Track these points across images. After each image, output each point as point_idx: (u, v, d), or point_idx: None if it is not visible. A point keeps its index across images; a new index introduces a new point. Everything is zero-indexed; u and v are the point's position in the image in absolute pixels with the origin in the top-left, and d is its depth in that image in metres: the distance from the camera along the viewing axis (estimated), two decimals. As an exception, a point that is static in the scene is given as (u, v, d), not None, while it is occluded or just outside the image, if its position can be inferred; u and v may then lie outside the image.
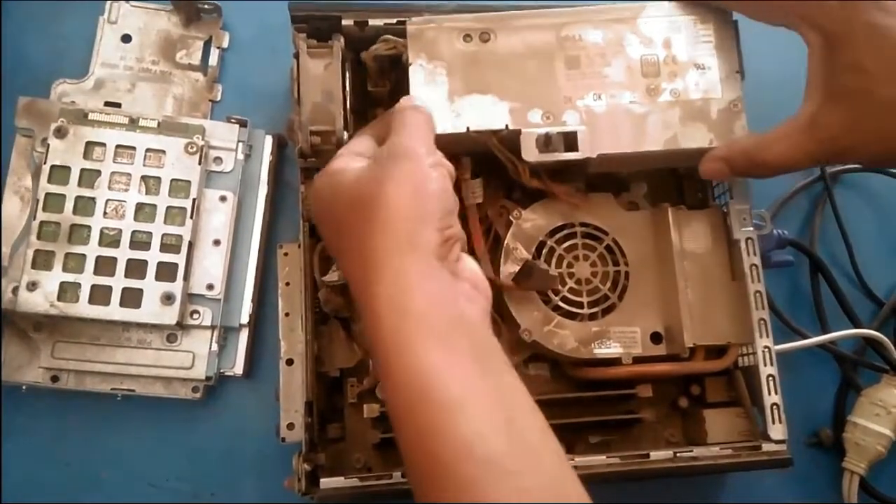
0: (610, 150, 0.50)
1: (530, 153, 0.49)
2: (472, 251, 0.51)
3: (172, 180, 0.56)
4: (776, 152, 0.46)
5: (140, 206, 0.56)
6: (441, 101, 0.50)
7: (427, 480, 0.35)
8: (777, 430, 0.50)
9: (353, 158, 0.44)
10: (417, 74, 0.50)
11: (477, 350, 0.37)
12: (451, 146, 0.49)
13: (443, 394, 0.35)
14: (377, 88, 0.55)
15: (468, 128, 0.49)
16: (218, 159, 0.58)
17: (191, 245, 0.56)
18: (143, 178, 0.56)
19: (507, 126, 0.49)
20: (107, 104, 0.59)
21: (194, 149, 0.56)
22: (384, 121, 0.46)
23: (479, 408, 0.35)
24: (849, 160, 0.49)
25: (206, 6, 0.62)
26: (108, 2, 0.62)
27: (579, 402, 0.53)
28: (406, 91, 0.50)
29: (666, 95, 0.50)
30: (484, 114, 0.50)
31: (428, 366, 0.35)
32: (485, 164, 0.52)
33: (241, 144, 0.58)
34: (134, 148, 0.56)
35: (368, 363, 0.53)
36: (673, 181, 0.57)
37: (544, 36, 0.51)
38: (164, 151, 0.56)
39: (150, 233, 0.55)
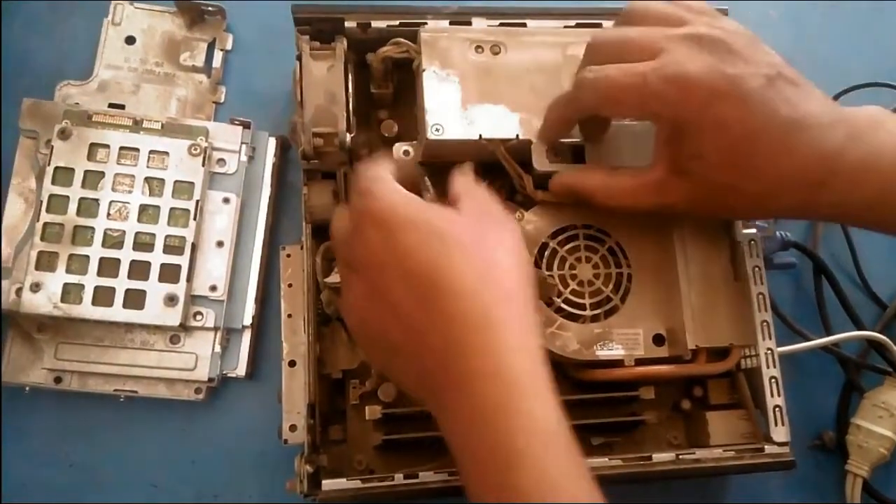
0: (613, 163, 0.51)
1: (540, 162, 0.50)
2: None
3: (176, 182, 0.56)
4: (618, 199, 0.49)
5: (143, 208, 0.56)
6: (455, 106, 0.50)
7: None
8: (780, 433, 0.50)
9: (394, 189, 0.42)
10: (431, 80, 0.50)
11: None
12: (459, 154, 0.49)
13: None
14: (380, 91, 0.55)
15: (480, 135, 0.50)
16: (221, 161, 0.58)
17: (194, 246, 0.56)
18: (147, 179, 0.56)
19: (517, 136, 0.50)
20: (111, 106, 0.59)
21: (198, 150, 0.56)
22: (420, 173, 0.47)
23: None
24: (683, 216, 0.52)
25: (209, 8, 0.62)
26: (112, 3, 0.62)
27: (582, 404, 0.53)
28: (411, 94, 0.51)
29: None
30: (496, 122, 0.50)
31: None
32: (487, 166, 0.52)
33: (244, 146, 0.58)
34: (137, 149, 0.56)
35: (371, 365, 0.53)
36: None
37: (551, 53, 0.53)
38: (167, 153, 0.56)
39: (154, 234, 0.55)
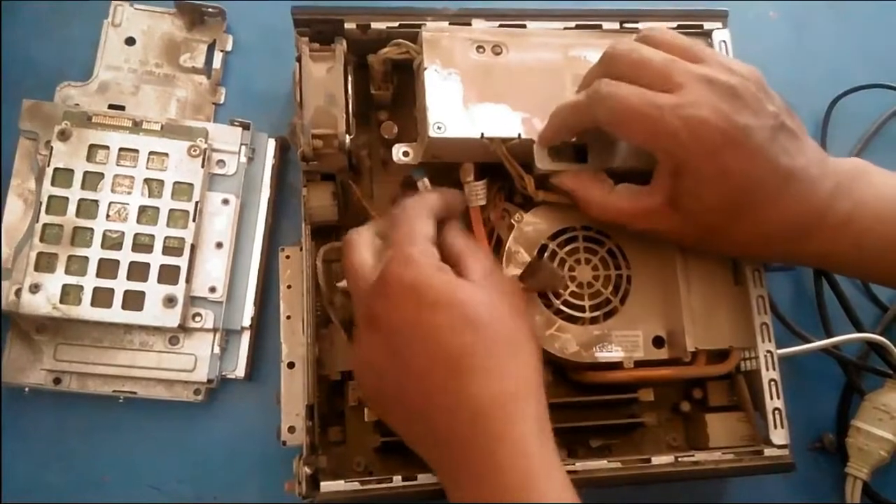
0: (615, 164, 0.51)
1: (543, 161, 0.50)
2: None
3: (175, 183, 0.56)
4: (613, 217, 0.49)
5: (143, 209, 0.56)
6: (457, 105, 0.50)
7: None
8: (779, 435, 0.50)
9: (437, 265, 0.44)
10: (433, 78, 0.50)
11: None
12: (460, 153, 0.49)
13: None
14: (380, 92, 0.55)
15: (482, 133, 0.50)
16: (221, 162, 0.58)
17: (193, 248, 0.56)
18: (146, 180, 0.56)
19: (519, 135, 0.50)
20: (110, 107, 0.59)
21: (197, 152, 0.56)
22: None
23: None
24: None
25: (209, 9, 0.62)
26: (113, 4, 0.62)
27: (581, 405, 0.53)
28: (411, 96, 0.51)
29: None
30: (497, 121, 0.50)
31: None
32: (486, 168, 0.52)
33: (243, 147, 0.58)
34: (137, 151, 0.56)
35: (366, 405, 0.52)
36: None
37: (553, 54, 0.53)
38: (167, 154, 0.56)
39: (153, 235, 0.55)
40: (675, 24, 0.55)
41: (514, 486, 0.39)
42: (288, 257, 0.54)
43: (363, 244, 0.47)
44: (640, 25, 0.54)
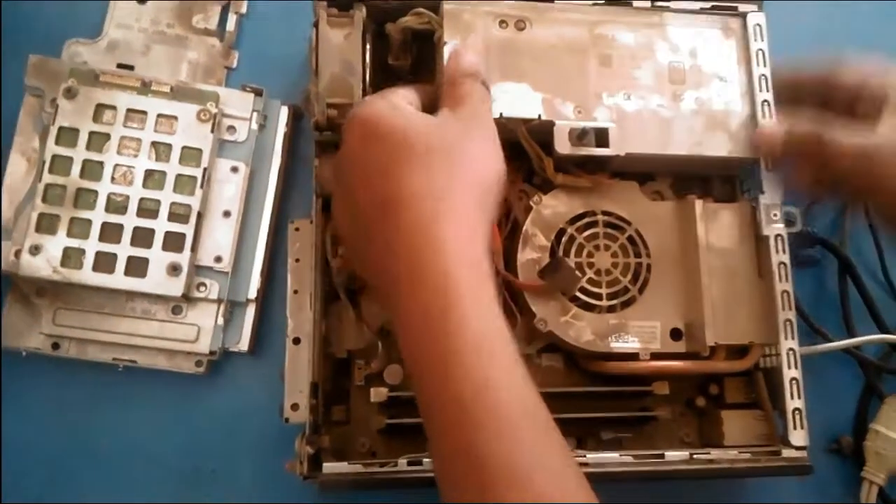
0: (638, 150, 0.50)
1: (563, 145, 0.49)
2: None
3: (183, 148, 0.55)
4: (853, 148, 0.47)
5: (149, 173, 0.54)
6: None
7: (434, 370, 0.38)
8: (798, 437, 0.49)
9: (407, 102, 0.44)
10: None
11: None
12: None
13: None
14: (398, 63, 0.53)
15: (501, 114, 0.48)
16: (231, 128, 0.56)
17: (200, 215, 0.54)
18: (154, 143, 0.54)
19: (539, 116, 0.49)
20: (119, 66, 0.58)
21: (207, 116, 0.55)
22: (438, 87, 0.46)
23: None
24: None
25: (225, -31, 0.60)
26: (125, -40, 0.60)
27: (592, 396, 0.52)
28: (430, 68, 0.49)
29: (690, 103, 0.51)
30: (517, 101, 0.49)
31: (483, 311, 0.38)
32: (505, 148, 0.50)
33: (255, 114, 0.57)
34: (145, 112, 0.55)
35: (377, 345, 0.51)
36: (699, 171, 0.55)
37: (578, 31, 0.51)
38: (175, 118, 0.55)
39: (159, 201, 0.54)
40: (708, 5, 0.53)
41: (426, 315, 0.38)
42: (297, 230, 0.53)
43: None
44: (671, 4, 0.52)
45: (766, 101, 0.51)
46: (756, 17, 0.53)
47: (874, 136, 0.47)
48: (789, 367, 0.49)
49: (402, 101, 0.44)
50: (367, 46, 0.50)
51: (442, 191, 0.40)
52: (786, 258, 0.50)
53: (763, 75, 0.51)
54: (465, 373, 0.36)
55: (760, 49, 0.52)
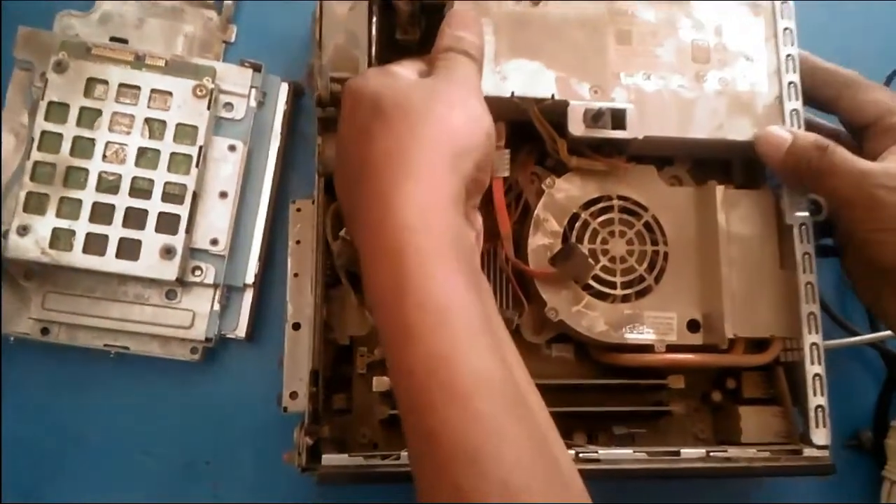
0: (657, 133, 0.48)
1: (577, 126, 0.47)
2: (496, 227, 0.48)
3: (178, 125, 0.53)
4: (852, 171, 0.45)
5: (142, 151, 0.52)
6: (486, 61, 0.47)
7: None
8: (820, 435, 0.47)
9: (406, 71, 0.43)
10: None
11: (482, 291, 0.38)
12: (488, 109, 0.45)
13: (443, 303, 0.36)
14: (406, 37, 0.51)
15: (513, 93, 0.47)
16: (228, 105, 0.54)
17: (195, 196, 0.52)
18: (147, 120, 0.53)
19: (553, 96, 0.47)
20: (112, 39, 0.56)
21: (203, 92, 0.53)
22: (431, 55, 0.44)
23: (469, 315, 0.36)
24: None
25: (223, -62, 0.58)
26: (120, -72, 0.57)
27: (605, 389, 0.50)
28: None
29: (714, 83, 0.50)
30: (530, 80, 0.47)
31: (440, 281, 0.36)
32: (517, 129, 0.49)
33: (254, 90, 0.55)
34: (138, 87, 0.53)
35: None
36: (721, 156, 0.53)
37: (596, 6, 0.50)
38: (170, 93, 0.53)
39: (152, 180, 0.52)
40: (734, -15, 0.50)
41: (389, 286, 0.36)
42: (299, 210, 0.52)
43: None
44: (696, -20, 0.50)
45: (792, 82, 0.49)
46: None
47: (877, 164, 0.45)
48: (812, 363, 0.47)
49: (400, 69, 0.43)
50: (374, 19, 0.48)
51: (403, 152, 0.38)
52: (810, 248, 0.48)
53: (790, 55, 0.49)
54: (416, 347, 0.35)
55: (788, 28, 0.50)
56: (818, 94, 0.50)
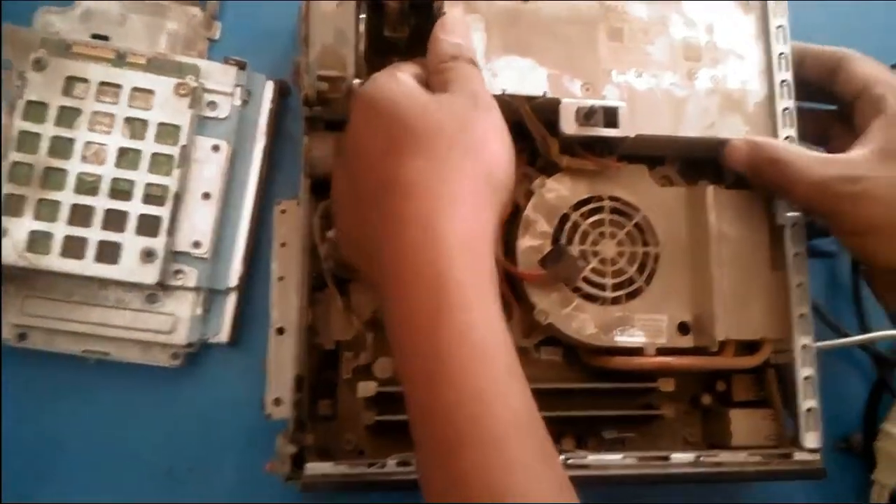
0: (649, 131, 0.48)
1: (569, 125, 0.46)
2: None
3: (160, 124, 0.52)
4: (808, 182, 0.45)
5: (123, 151, 0.51)
6: (478, 56, 0.46)
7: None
8: (811, 438, 0.47)
9: (414, 79, 0.42)
10: None
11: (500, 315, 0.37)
12: None
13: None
14: (395, 35, 0.50)
15: (504, 90, 0.46)
16: (212, 104, 0.54)
17: (177, 197, 0.51)
18: (128, 119, 0.52)
19: (545, 93, 0.47)
20: (94, 37, 0.54)
21: (186, 90, 0.52)
22: (429, 63, 0.44)
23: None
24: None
25: (207, -66, 0.57)
26: (101, -77, 0.56)
27: (594, 393, 0.49)
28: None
29: (706, 81, 0.49)
30: (521, 77, 0.47)
31: (480, 315, 0.35)
32: (508, 128, 0.48)
33: (238, 89, 0.54)
34: (119, 86, 0.52)
35: (367, 337, 0.49)
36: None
37: (588, 2, 0.50)
38: (152, 92, 0.52)
39: (133, 181, 0.51)
40: (726, -22, 0.50)
41: (423, 313, 0.36)
42: (284, 212, 0.50)
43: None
44: (689, -23, 0.50)
45: (784, 80, 0.49)
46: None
47: (835, 165, 0.45)
48: (803, 365, 0.47)
49: (407, 77, 0.41)
50: (362, 16, 0.47)
51: (444, 178, 0.37)
52: (802, 249, 0.48)
53: (782, 54, 0.49)
54: (451, 381, 0.34)
55: (780, 25, 0.49)
56: (812, 73, 0.50)
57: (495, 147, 0.40)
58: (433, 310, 0.35)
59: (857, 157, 0.44)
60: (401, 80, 0.41)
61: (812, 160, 0.45)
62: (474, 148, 0.39)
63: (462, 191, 0.37)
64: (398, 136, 0.39)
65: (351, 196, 0.42)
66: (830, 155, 0.46)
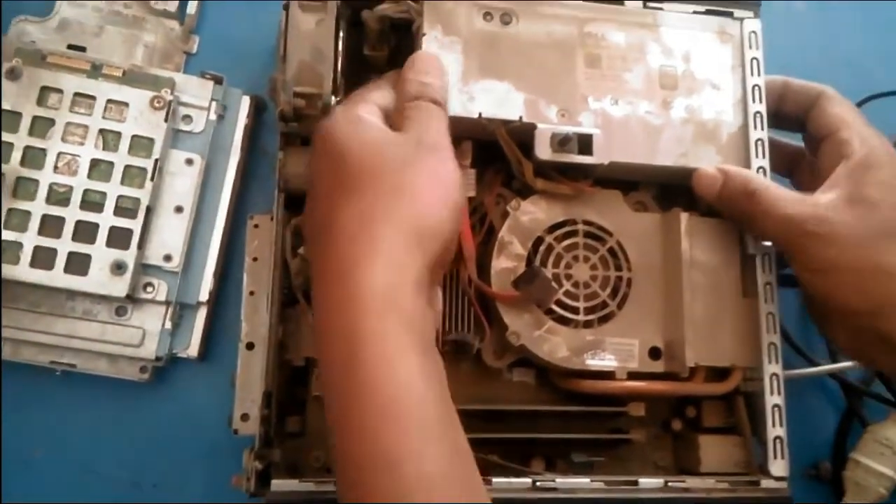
0: (622, 159, 0.48)
1: (544, 150, 0.46)
2: (459, 248, 0.47)
3: (134, 137, 0.51)
4: (778, 216, 0.45)
5: (95, 163, 0.51)
6: (453, 80, 0.46)
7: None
8: (779, 467, 0.47)
9: (376, 113, 0.41)
10: (431, 47, 0.46)
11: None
12: (454, 131, 0.45)
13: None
14: (374, 53, 0.50)
15: (480, 113, 0.46)
16: (187, 118, 0.53)
17: (149, 210, 0.51)
18: (102, 131, 0.51)
19: (521, 118, 0.47)
20: (70, 47, 0.54)
21: (161, 103, 0.51)
22: (396, 101, 0.43)
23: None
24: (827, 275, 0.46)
25: (187, -52, 0.56)
26: (80, -67, 0.56)
27: (565, 415, 0.49)
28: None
29: (680, 111, 0.49)
30: (498, 101, 0.47)
31: (395, 371, 0.34)
32: (484, 149, 0.49)
33: (214, 103, 0.54)
34: (94, 97, 0.51)
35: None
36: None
37: (567, 28, 0.49)
38: (126, 104, 0.52)
39: (105, 193, 0.51)
40: (703, 8, 0.51)
41: (338, 367, 0.35)
42: (256, 226, 0.51)
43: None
44: (664, 6, 0.50)
45: (758, 112, 0.49)
46: (752, 24, 0.50)
47: (805, 204, 0.45)
48: (772, 393, 0.47)
49: (367, 114, 0.41)
50: (341, 34, 0.47)
51: (369, 225, 0.37)
52: (772, 278, 0.48)
53: (756, 85, 0.49)
54: (360, 438, 0.34)
55: (755, 58, 0.50)
56: (790, 108, 0.50)
57: (428, 192, 0.38)
58: (344, 363, 0.35)
59: (826, 201, 0.45)
60: (360, 118, 0.40)
61: (783, 194, 0.45)
62: (406, 192, 0.38)
63: (386, 240, 0.36)
64: (340, 177, 0.38)
65: (311, 225, 0.41)
66: (801, 194, 0.46)
